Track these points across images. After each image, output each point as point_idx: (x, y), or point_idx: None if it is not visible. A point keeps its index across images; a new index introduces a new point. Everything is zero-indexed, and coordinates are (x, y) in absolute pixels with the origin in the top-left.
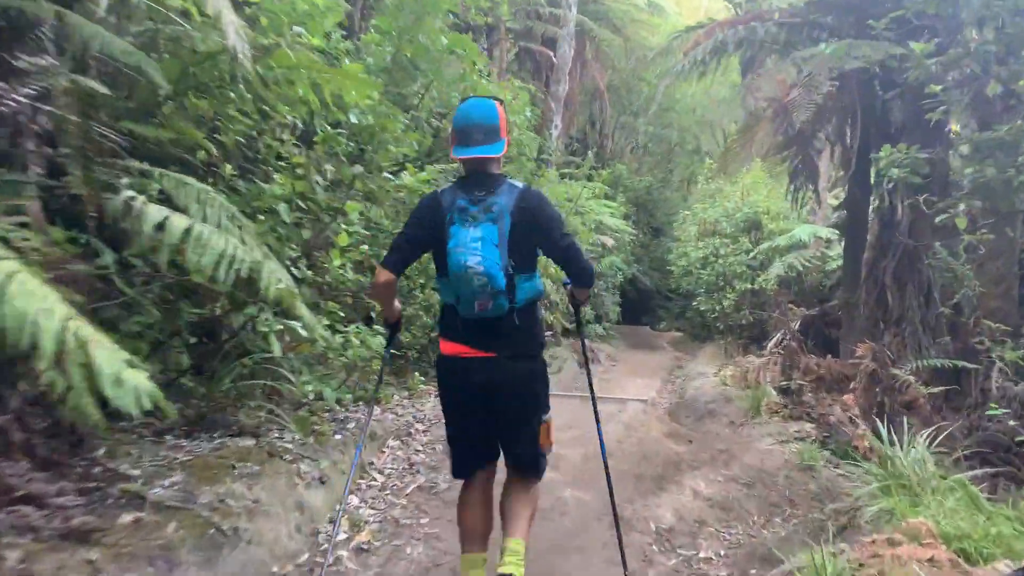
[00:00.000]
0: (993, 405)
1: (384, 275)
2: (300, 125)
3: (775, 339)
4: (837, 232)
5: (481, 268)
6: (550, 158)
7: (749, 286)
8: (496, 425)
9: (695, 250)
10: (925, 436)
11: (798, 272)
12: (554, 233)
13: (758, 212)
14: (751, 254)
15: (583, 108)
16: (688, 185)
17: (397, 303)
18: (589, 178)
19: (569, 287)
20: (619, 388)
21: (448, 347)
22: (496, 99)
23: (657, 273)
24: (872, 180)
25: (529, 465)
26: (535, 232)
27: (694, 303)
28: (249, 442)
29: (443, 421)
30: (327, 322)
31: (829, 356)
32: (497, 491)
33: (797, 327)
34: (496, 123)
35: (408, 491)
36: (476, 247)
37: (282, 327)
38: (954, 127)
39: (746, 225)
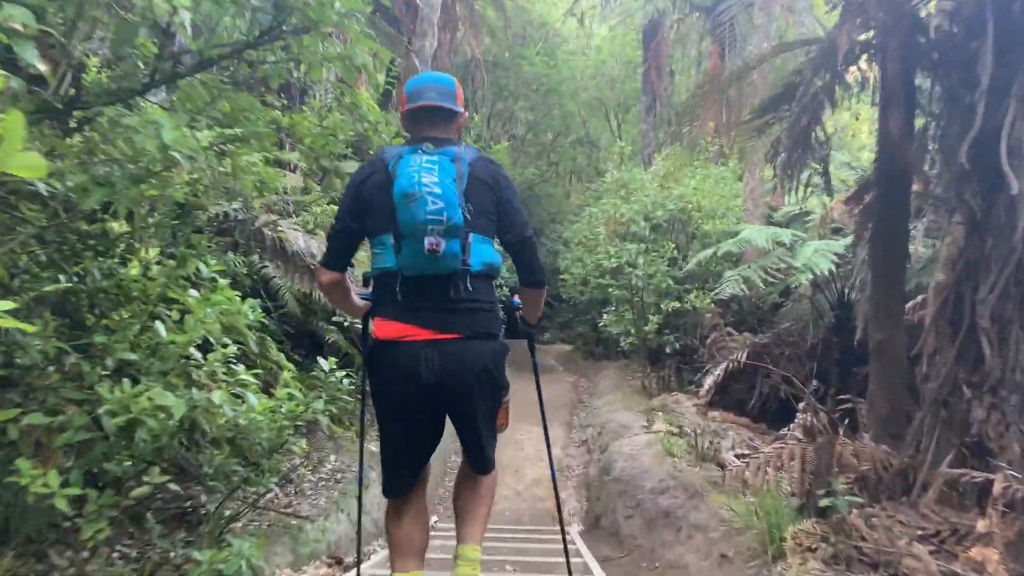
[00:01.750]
0: None
1: (326, 275)
2: None
3: (715, 375)
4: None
5: (438, 190)
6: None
7: (677, 304)
8: (456, 425)
9: (605, 258)
10: None
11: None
12: (516, 215)
13: (687, 208)
14: (680, 264)
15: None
16: (572, 179)
17: (356, 297)
18: None
19: (519, 310)
20: (507, 441)
21: (386, 328)
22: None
23: None
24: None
25: (488, 459)
26: (494, 205)
27: (600, 323)
28: None
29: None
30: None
31: (867, 438)
32: None
33: (743, 357)
34: (453, 89)
35: None
36: (432, 169)
37: None
38: None
39: (669, 225)
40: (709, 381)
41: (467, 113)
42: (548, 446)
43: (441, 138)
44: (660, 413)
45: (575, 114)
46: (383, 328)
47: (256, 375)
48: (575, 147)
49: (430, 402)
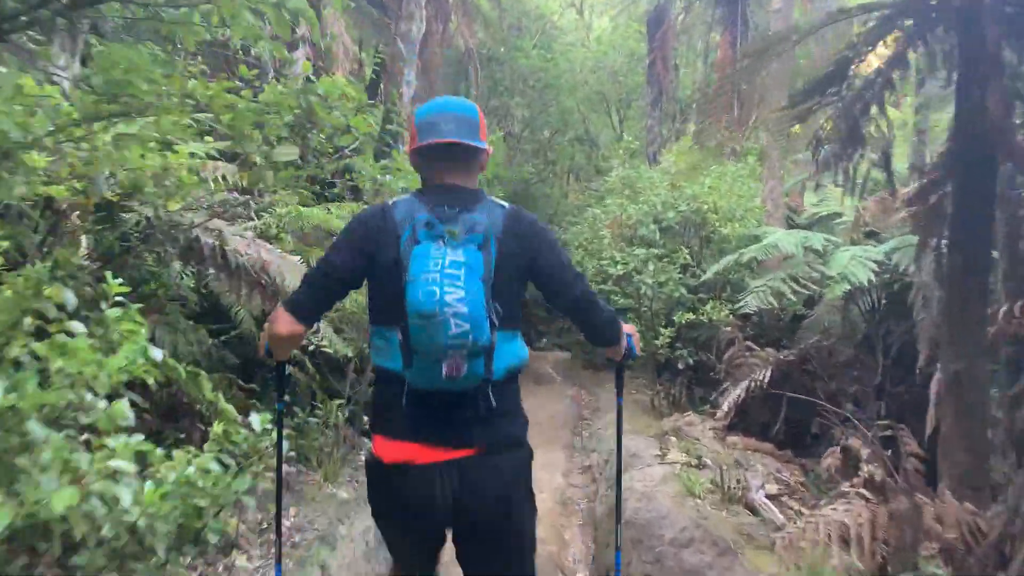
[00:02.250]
0: None
1: (287, 325)
2: None
3: (735, 396)
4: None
5: (464, 308)
6: (402, 131)
7: (691, 317)
8: (466, 551)
9: (610, 264)
10: None
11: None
12: (563, 273)
13: (702, 210)
14: (695, 271)
15: (446, 81)
16: (570, 178)
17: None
18: None
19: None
20: None
21: (390, 449)
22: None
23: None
24: None
25: None
26: (532, 271)
27: None
28: None
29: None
30: None
31: (947, 495)
32: None
33: (767, 377)
34: (476, 119)
35: None
36: (457, 276)
37: None
38: None
39: (682, 228)
40: (728, 402)
41: (491, 149)
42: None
43: (461, 189)
44: (673, 438)
45: (574, 110)
46: (387, 449)
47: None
48: (573, 145)
49: (446, 522)
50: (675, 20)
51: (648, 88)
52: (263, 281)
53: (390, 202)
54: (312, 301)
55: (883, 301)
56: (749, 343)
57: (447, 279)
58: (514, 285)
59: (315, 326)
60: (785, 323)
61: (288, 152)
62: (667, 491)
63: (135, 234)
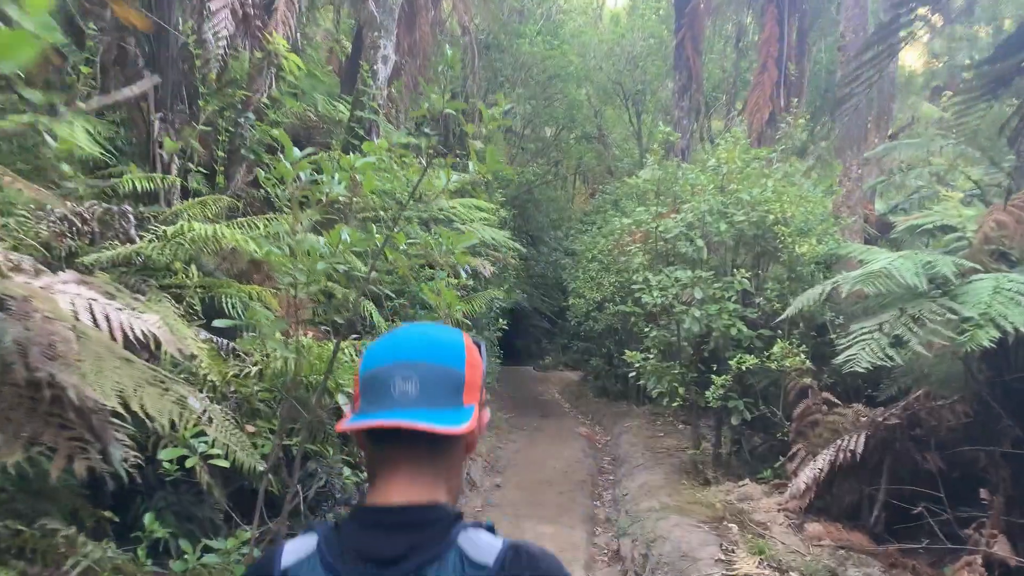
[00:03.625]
0: None
1: None
2: None
3: (817, 469)
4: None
5: None
6: (373, 116)
7: (754, 362)
8: None
9: (644, 291)
10: None
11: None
12: None
13: (766, 221)
14: (756, 300)
15: (440, 71)
16: (577, 180)
17: None
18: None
19: None
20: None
21: None
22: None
23: (536, 291)
24: None
25: None
26: None
27: (633, 375)
28: None
29: None
30: None
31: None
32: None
33: (859, 445)
34: (457, 369)
35: None
36: None
37: None
38: None
39: (736, 244)
40: (807, 477)
41: (481, 427)
42: None
43: (413, 520)
44: (734, 526)
45: (583, 103)
46: None
47: None
48: (581, 143)
49: None
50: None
51: (676, 74)
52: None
53: (278, 552)
54: None
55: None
56: (827, 395)
57: None
58: None
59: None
60: (873, 369)
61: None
62: None
63: None
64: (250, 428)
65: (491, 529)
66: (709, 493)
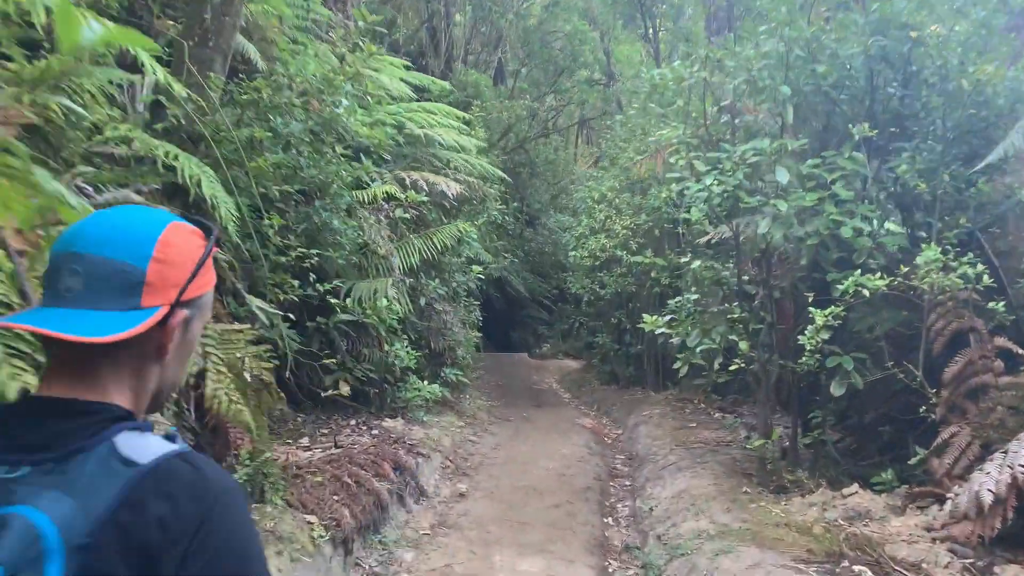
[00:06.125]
0: None
1: None
2: None
3: (999, 477)
4: None
5: None
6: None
7: (881, 282)
8: None
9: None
10: None
11: None
12: None
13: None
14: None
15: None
16: (580, 138)
17: None
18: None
19: None
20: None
21: None
22: (185, 221)
23: (533, 276)
24: None
25: None
26: None
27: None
28: None
29: None
30: None
31: None
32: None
33: None
34: (137, 266)
35: None
36: None
37: None
38: None
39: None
40: (989, 484)
41: (176, 327)
42: None
43: (61, 413)
44: (865, 570)
45: (586, 34)
46: None
47: None
48: (583, 88)
49: None
50: None
51: None
52: None
53: None
54: None
55: None
56: (1005, 342)
57: None
58: None
59: None
60: None
61: None
62: None
63: None
64: None
65: (171, 438)
66: (793, 507)
